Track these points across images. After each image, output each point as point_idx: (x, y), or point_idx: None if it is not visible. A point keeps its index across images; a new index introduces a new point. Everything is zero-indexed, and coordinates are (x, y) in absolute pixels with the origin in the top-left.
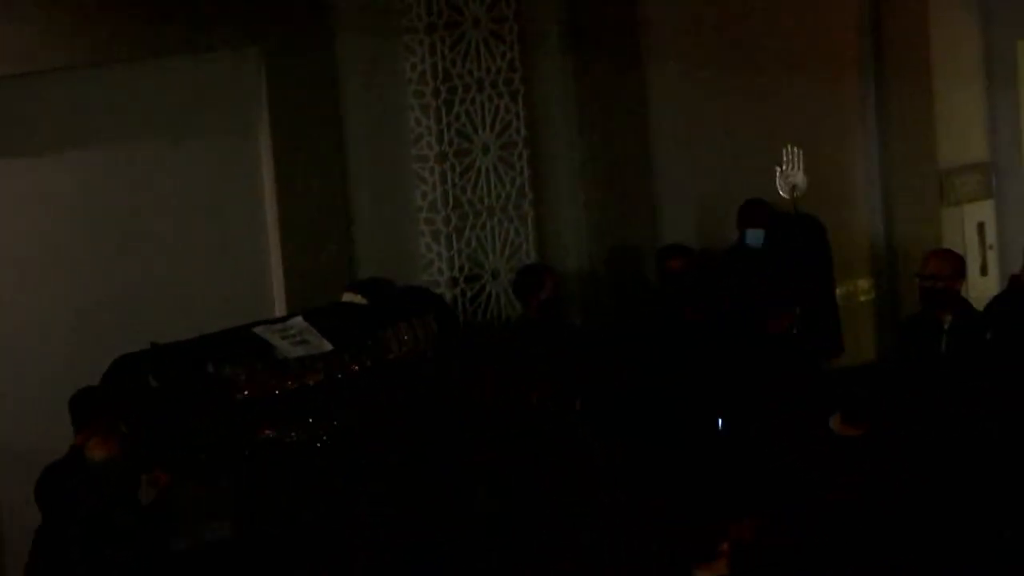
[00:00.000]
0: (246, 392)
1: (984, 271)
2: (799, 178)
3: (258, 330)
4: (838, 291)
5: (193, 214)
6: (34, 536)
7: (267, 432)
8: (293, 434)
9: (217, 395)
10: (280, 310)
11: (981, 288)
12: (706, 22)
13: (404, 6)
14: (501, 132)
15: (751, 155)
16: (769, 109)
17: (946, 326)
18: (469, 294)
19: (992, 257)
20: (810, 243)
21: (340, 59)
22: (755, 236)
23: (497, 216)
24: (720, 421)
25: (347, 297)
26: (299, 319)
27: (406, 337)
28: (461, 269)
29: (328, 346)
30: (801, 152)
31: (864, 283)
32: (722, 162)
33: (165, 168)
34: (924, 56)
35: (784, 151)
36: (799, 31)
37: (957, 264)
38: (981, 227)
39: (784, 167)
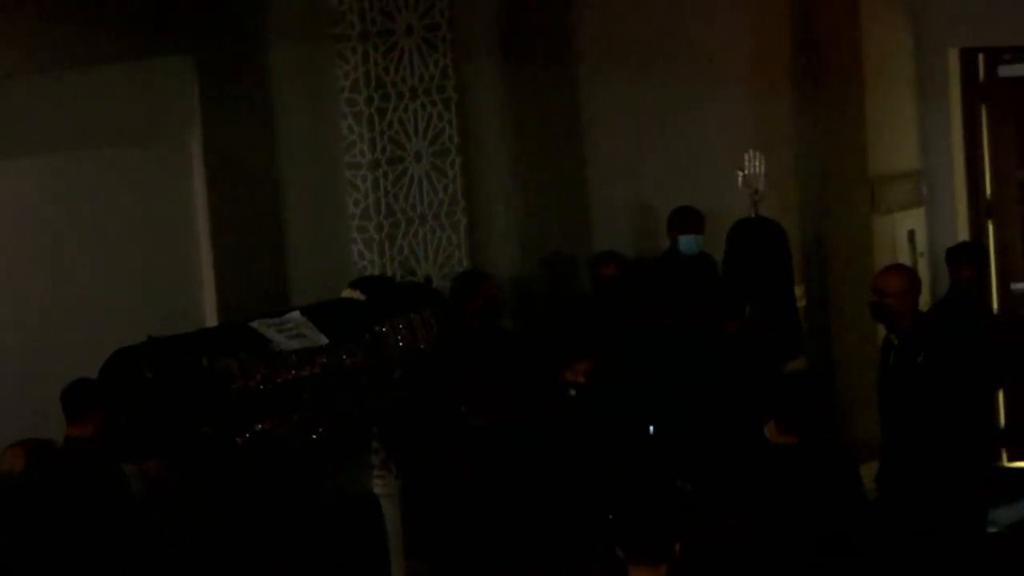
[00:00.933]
0: (241, 384)
1: None
2: (759, 182)
3: (254, 324)
4: None
5: (124, 223)
6: None
7: (262, 424)
8: (288, 426)
9: (211, 387)
10: (211, 319)
11: None
12: (639, 31)
13: (337, 14)
14: (434, 140)
15: (684, 163)
16: (701, 117)
17: (895, 342)
18: None
19: (923, 265)
20: (770, 246)
21: (272, 67)
22: (689, 242)
23: (430, 223)
24: (652, 427)
25: (346, 293)
26: (296, 314)
27: (404, 333)
28: (394, 277)
29: (324, 340)
30: (762, 156)
31: (796, 290)
32: (655, 170)
33: (95, 177)
34: (856, 65)
35: (746, 156)
36: (732, 40)
37: (904, 281)
38: (912, 235)
39: (745, 171)
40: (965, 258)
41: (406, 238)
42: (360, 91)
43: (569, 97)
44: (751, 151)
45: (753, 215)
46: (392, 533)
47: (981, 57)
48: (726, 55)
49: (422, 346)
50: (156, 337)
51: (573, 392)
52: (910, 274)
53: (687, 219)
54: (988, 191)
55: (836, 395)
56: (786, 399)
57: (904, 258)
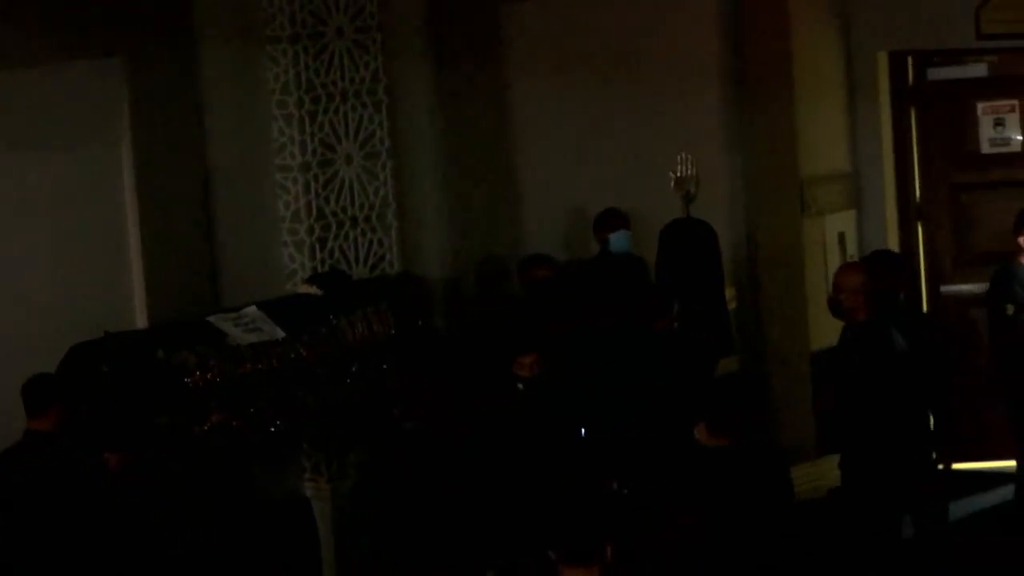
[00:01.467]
0: (197, 376)
1: None
2: (692, 184)
3: (211, 319)
4: None
5: (53, 225)
6: None
7: (218, 416)
8: (246, 419)
9: (167, 380)
10: (141, 321)
11: None
12: (570, 33)
13: (267, 16)
14: (365, 142)
15: (615, 165)
16: (632, 120)
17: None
18: None
19: None
20: (701, 246)
21: (203, 69)
22: (619, 239)
23: (360, 226)
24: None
25: (303, 289)
26: (253, 308)
27: (360, 325)
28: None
29: (281, 333)
30: (694, 159)
31: (726, 292)
32: (586, 172)
33: (24, 178)
34: (786, 67)
35: (678, 158)
36: (662, 43)
37: (857, 278)
38: (842, 237)
39: (678, 173)
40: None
41: (337, 241)
42: (291, 93)
43: (500, 100)
44: (682, 154)
45: (685, 216)
46: (324, 536)
47: (910, 60)
48: (656, 59)
49: (379, 339)
50: (113, 332)
51: (521, 386)
52: (864, 272)
53: (613, 218)
54: (917, 194)
55: (767, 397)
56: (716, 401)
57: (834, 260)
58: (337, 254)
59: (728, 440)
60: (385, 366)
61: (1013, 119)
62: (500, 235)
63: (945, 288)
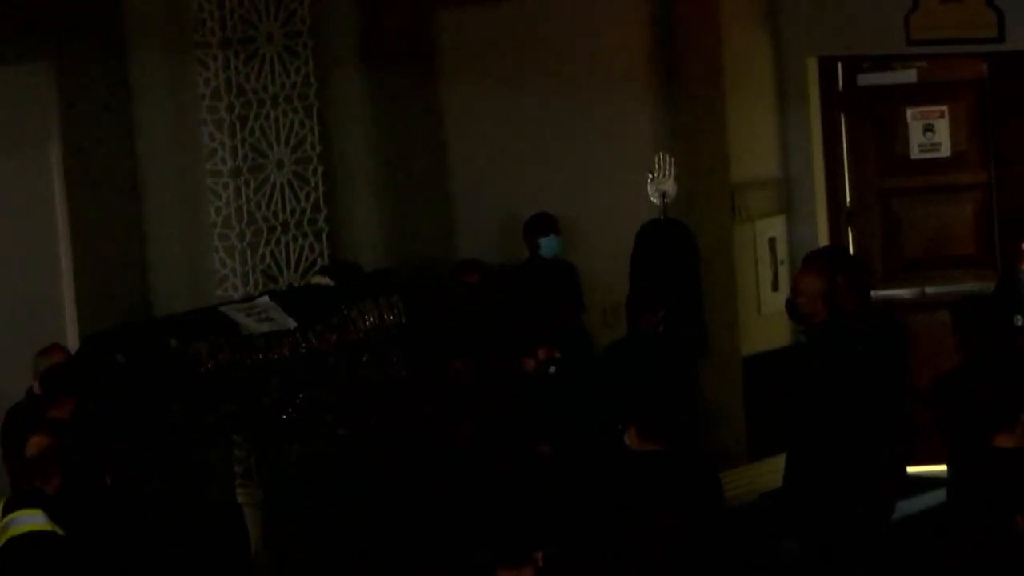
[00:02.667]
0: (210, 366)
1: (776, 286)
2: (668, 185)
3: (224, 309)
4: None
5: None
6: None
7: (231, 404)
8: (258, 406)
9: (181, 369)
10: (71, 325)
11: (772, 304)
12: (502, 40)
13: (197, 21)
14: (296, 147)
15: (548, 170)
16: (565, 125)
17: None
18: None
19: (784, 272)
20: (677, 247)
21: (133, 73)
22: (550, 243)
23: (292, 231)
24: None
25: (315, 279)
26: (265, 298)
27: (371, 315)
28: (256, 285)
29: (292, 323)
30: (672, 159)
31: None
32: (519, 177)
33: None
34: (716, 73)
35: (656, 159)
36: (594, 49)
37: (813, 282)
38: (772, 242)
39: (655, 174)
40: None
41: (268, 246)
42: (221, 98)
43: (433, 105)
44: (660, 154)
45: (662, 217)
46: (255, 541)
47: (840, 66)
48: (589, 65)
49: (389, 329)
50: (129, 322)
51: (553, 369)
52: (821, 275)
53: (543, 223)
54: (848, 198)
55: (698, 402)
56: (647, 406)
57: (765, 266)
58: (268, 259)
59: (659, 445)
60: (395, 356)
61: (942, 125)
62: (432, 240)
63: (876, 293)
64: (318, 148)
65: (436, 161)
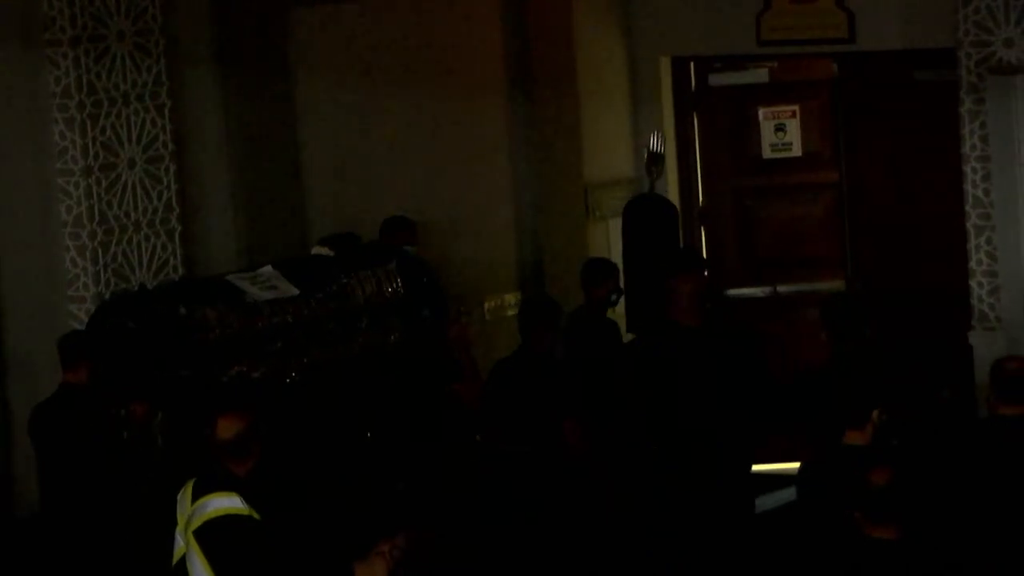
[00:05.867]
0: (217, 331)
1: None
2: (659, 161)
3: (230, 277)
4: (486, 305)
5: None
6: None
7: (238, 368)
8: (262, 370)
9: (189, 334)
10: None
11: (622, 304)
12: (358, 37)
13: (47, 19)
14: (148, 146)
15: (403, 170)
16: (419, 124)
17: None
18: None
19: None
20: (663, 222)
21: None
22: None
23: (144, 231)
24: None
25: (316, 250)
26: (269, 268)
27: (369, 284)
28: (107, 284)
29: (295, 291)
30: (663, 136)
31: (511, 297)
32: (375, 176)
33: None
34: (569, 72)
35: (651, 136)
36: (448, 48)
37: (688, 285)
38: None
39: (651, 148)
40: (596, 276)
41: (120, 245)
42: (72, 97)
43: (285, 103)
44: (656, 131)
45: (649, 192)
46: None
47: (692, 66)
48: (443, 64)
49: (387, 296)
50: (144, 286)
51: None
52: (698, 278)
53: (401, 231)
54: (700, 198)
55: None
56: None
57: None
58: (120, 259)
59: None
60: (392, 322)
61: (793, 124)
62: (287, 239)
63: (731, 291)
64: (171, 147)
65: (290, 158)
